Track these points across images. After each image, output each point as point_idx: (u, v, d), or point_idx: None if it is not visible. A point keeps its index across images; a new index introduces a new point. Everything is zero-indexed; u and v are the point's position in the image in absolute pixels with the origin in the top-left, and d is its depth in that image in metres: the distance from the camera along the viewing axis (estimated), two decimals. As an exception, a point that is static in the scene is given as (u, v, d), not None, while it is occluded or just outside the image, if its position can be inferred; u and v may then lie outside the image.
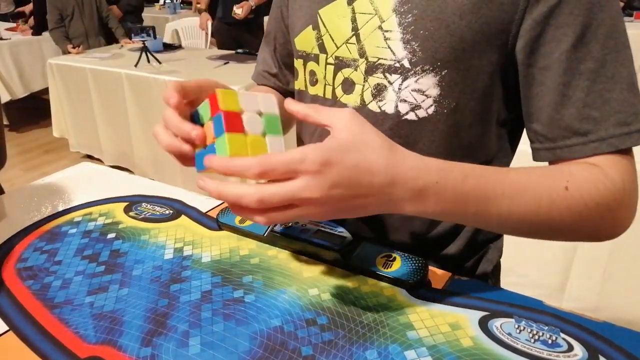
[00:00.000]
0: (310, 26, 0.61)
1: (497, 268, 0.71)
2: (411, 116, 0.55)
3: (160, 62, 2.65)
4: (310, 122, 0.43)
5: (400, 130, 0.56)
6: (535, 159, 0.53)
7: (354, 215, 0.43)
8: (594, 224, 0.49)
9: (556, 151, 0.50)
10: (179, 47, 3.27)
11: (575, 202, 0.47)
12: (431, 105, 0.54)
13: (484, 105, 0.55)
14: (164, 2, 5.61)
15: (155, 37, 2.76)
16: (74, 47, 3.11)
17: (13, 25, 4.08)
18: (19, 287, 0.57)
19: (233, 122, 0.41)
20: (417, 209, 0.43)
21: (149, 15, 4.86)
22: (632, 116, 0.48)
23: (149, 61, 2.65)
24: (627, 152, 0.49)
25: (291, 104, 0.44)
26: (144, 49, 2.65)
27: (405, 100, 0.55)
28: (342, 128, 0.41)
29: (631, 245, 1.42)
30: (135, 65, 2.60)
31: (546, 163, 0.53)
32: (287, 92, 0.77)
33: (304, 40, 0.63)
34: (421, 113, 0.55)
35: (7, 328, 0.51)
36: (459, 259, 0.65)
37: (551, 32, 0.48)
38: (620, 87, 0.47)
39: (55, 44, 3.46)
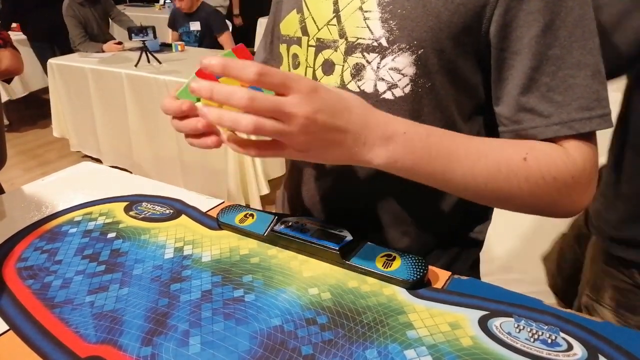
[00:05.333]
0: (295, 10, 0.62)
1: (474, 266, 0.71)
2: (388, 95, 0.56)
3: (160, 62, 2.65)
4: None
5: (379, 109, 0.56)
6: None
7: (330, 155, 0.46)
8: (550, 197, 0.50)
9: (520, 132, 0.52)
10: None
11: (533, 173, 0.49)
12: (407, 85, 0.55)
13: (463, 91, 0.56)
14: (164, 2, 5.61)
15: (155, 37, 2.77)
16: (116, 43, 3.05)
17: (13, 25, 4.07)
18: (19, 286, 0.57)
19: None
20: (387, 159, 0.47)
21: (149, 15, 4.86)
22: (595, 102, 0.49)
23: (149, 61, 2.66)
24: (589, 137, 0.50)
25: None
26: (144, 49, 2.65)
27: (383, 79, 0.56)
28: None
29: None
30: (136, 65, 2.60)
31: None
32: None
33: (288, 24, 0.64)
34: (398, 92, 0.55)
35: (7, 328, 0.51)
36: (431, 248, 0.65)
37: (523, 16, 0.49)
38: (585, 73, 0.49)
39: (90, 52, 3.10)
